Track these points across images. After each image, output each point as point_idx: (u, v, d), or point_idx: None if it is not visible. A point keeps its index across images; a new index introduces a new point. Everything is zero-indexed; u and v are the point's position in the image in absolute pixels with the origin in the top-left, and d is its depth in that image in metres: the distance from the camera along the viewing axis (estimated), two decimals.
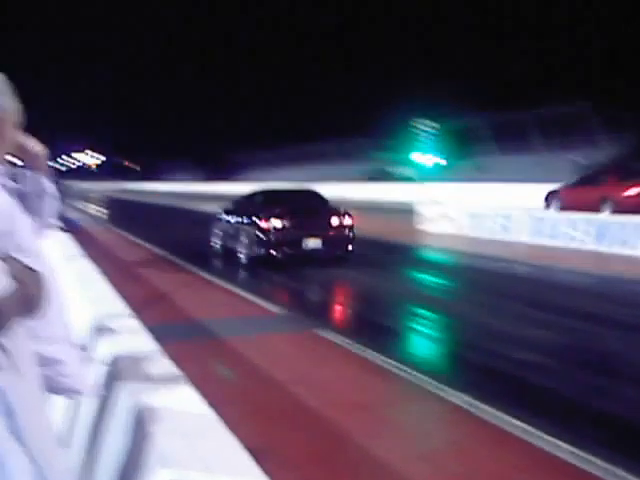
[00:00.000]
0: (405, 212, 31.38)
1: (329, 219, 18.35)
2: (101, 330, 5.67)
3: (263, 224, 17.77)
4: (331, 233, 18.15)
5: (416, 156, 54.97)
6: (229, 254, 19.67)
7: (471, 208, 27.27)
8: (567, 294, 13.94)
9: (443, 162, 52.40)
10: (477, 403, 7.03)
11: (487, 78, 63.62)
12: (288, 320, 11.38)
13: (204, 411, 3.47)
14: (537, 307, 12.32)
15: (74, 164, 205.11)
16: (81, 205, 54.65)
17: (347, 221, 18.51)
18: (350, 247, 18.29)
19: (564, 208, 25.79)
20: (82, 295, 7.94)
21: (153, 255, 20.92)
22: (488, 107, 48.13)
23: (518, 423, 6.44)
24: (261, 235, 17.73)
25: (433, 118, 54.40)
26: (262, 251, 17.84)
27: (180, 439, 3.03)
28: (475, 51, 71.60)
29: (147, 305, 12.63)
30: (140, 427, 3.24)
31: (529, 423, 6.40)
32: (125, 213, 48.30)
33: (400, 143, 60.33)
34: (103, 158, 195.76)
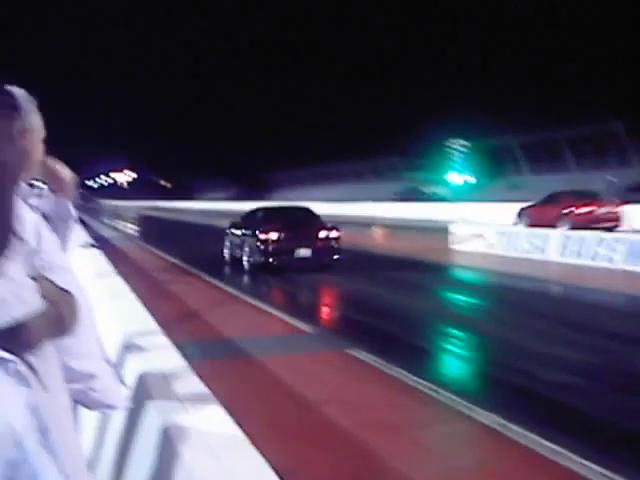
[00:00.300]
0: (437, 231, 31.28)
1: (318, 232, 21.08)
2: (130, 347, 5.68)
3: (262, 236, 20.64)
4: (319, 244, 20.82)
5: (448, 175, 54.93)
6: (235, 262, 22.47)
7: (503, 227, 27.11)
8: (598, 313, 13.79)
9: (473, 180, 52.23)
10: (507, 423, 6.94)
11: (520, 98, 63.34)
12: (319, 339, 11.35)
13: (233, 430, 3.44)
14: (569, 327, 12.20)
15: (107, 182, 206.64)
16: (114, 222, 55.02)
17: (333, 234, 21.35)
18: (336, 256, 20.82)
19: (531, 224, 29.61)
20: (112, 312, 7.97)
21: (182, 271, 20.97)
22: (521, 127, 47.95)
23: (548, 443, 6.35)
24: (260, 245, 20.60)
25: (465, 137, 54.40)
26: (262, 259, 20.68)
27: (208, 458, 3.00)
28: (507, 70, 71.41)
29: (176, 322, 12.66)
30: (168, 446, 3.22)
31: (559, 443, 6.31)
32: (157, 231, 48.55)
33: (432, 162, 60.35)
34: (135, 175, 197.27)
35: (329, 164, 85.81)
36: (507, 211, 35.10)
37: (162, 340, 6.10)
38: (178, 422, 3.42)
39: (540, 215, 30.83)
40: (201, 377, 7.95)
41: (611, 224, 28.48)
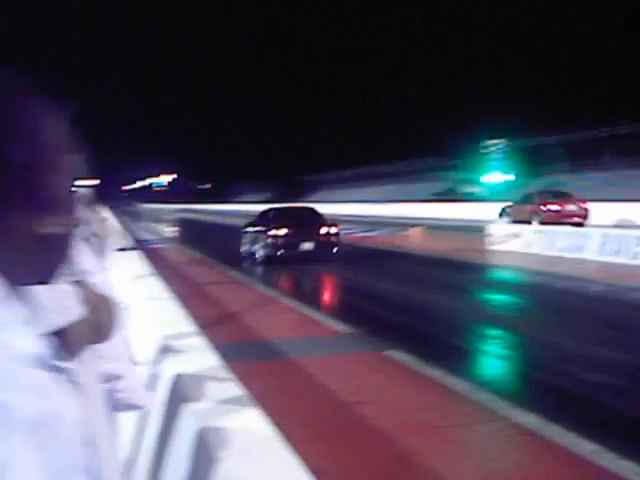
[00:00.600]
0: (474, 231, 31.09)
1: (319, 228, 24.07)
2: (168, 349, 5.71)
3: (272, 232, 23.69)
4: (321, 239, 23.84)
5: (486, 175, 54.57)
6: (252, 256, 25.16)
7: (540, 226, 26.90)
8: (638, 313, 13.62)
9: (511, 178, 51.85)
10: (546, 424, 6.89)
11: (562, 96, 62.82)
12: (356, 340, 11.32)
13: (269, 433, 3.45)
14: (608, 326, 12.07)
15: (146, 185, 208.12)
16: (152, 225, 55.34)
17: (333, 230, 24.39)
18: (335, 249, 23.90)
19: (512, 220, 34.72)
20: (150, 313, 8.03)
21: (219, 272, 21.07)
22: (561, 125, 47.51)
23: (587, 444, 6.29)
24: (270, 240, 23.66)
25: (504, 136, 54.00)
26: (271, 252, 23.67)
27: (245, 461, 3.01)
28: (547, 68, 70.88)
29: (214, 323, 12.72)
30: (205, 448, 3.23)
31: (598, 443, 6.24)
32: (194, 233, 48.79)
33: (470, 162, 59.98)
34: (174, 177, 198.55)
35: (366, 166, 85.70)
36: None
37: (199, 341, 6.13)
38: (214, 424, 3.43)
39: (518, 212, 35.85)
40: (238, 378, 8.00)
41: (578, 220, 32.98)
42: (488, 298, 16.20)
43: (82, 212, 15.08)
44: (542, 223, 31.13)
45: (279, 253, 23.50)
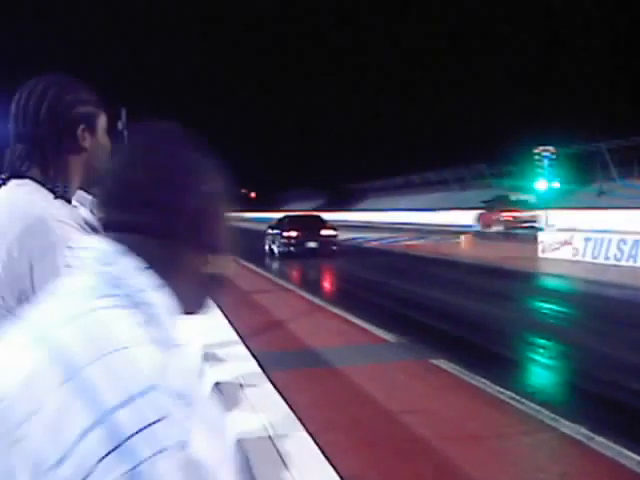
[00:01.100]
0: (525, 238, 30.80)
1: (321, 231, 31.12)
2: (208, 357, 5.74)
3: (285, 234, 30.98)
4: (322, 239, 30.77)
5: (535, 182, 53.94)
6: (272, 252, 32.60)
7: (592, 234, 26.56)
8: None
9: (557, 185, 51.25)
10: (593, 434, 6.78)
11: (610, 103, 62.07)
12: (402, 348, 11.26)
13: (306, 441, 3.44)
14: None
15: None
16: None
17: (332, 233, 31.33)
18: (334, 247, 30.93)
19: (482, 226, 44.20)
20: (192, 321, 8.08)
21: (266, 280, 21.13)
22: (610, 131, 46.91)
23: (634, 456, 6.18)
24: (284, 240, 30.90)
25: (553, 143, 53.37)
26: (285, 249, 30.89)
27: (279, 469, 3.00)
28: (596, 74, 70.07)
29: (259, 331, 12.75)
30: (242, 457, 3.23)
31: None
32: (240, 240, 48.92)
33: (520, 169, 59.43)
34: None
35: (416, 173, 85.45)
36: (596, 218, 34.37)
37: (239, 350, 6.14)
38: (248, 430, 3.43)
39: (485, 219, 44.97)
40: (283, 386, 8.03)
41: (529, 224, 40.67)
42: (537, 306, 16.00)
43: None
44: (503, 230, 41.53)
45: (291, 249, 30.62)
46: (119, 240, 1.12)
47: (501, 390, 8.52)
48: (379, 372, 9.80)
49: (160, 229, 1.14)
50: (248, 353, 6.44)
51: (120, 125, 57.32)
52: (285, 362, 10.46)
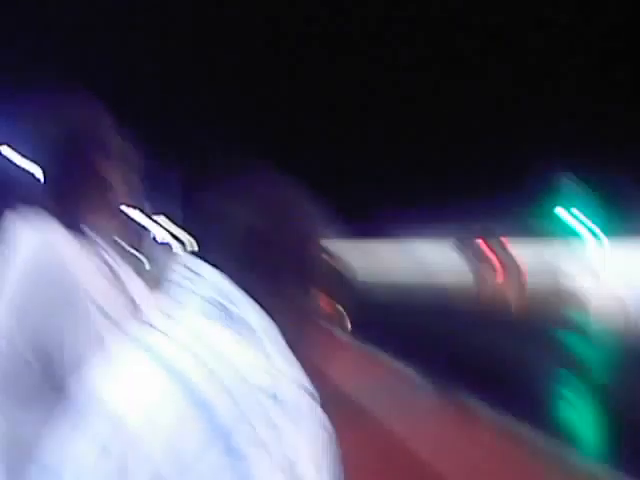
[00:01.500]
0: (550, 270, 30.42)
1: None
2: None
3: None
4: None
5: (564, 213, 53.51)
6: None
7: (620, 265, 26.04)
8: None
9: (589, 223, 50.81)
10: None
11: None
12: (434, 385, 11.06)
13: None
14: None
15: None
16: None
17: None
18: None
19: None
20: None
21: None
22: None
23: None
24: None
25: (585, 173, 52.94)
26: None
27: None
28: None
29: None
30: None
31: None
32: None
33: (550, 199, 58.94)
34: None
35: (442, 201, 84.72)
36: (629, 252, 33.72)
37: None
38: None
39: None
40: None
41: None
42: (565, 344, 15.67)
43: None
44: None
45: None
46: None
47: (530, 430, 8.38)
48: (408, 408, 9.64)
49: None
50: None
51: None
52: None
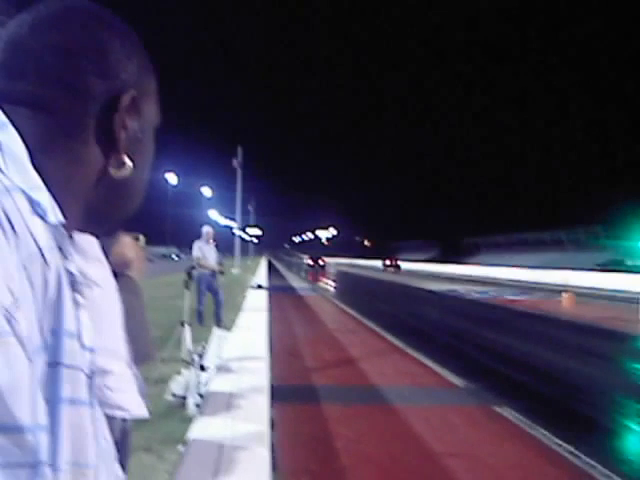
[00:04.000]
0: (630, 302, 29.64)
1: (319, 260, 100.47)
2: (221, 368, 5.59)
3: (307, 261, 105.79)
4: (321, 263, 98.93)
5: None
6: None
7: None
8: None
9: None
10: None
11: None
12: (467, 393, 10.81)
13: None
14: None
15: (309, 238, 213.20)
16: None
17: (322, 262, 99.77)
18: (323, 264, 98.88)
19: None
20: (234, 337, 7.97)
21: (353, 321, 20.88)
22: None
23: None
24: (308, 263, 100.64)
25: None
26: (308, 267, 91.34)
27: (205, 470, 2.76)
28: None
29: (328, 365, 12.53)
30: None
31: None
32: (351, 285, 49.05)
33: (637, 233, 57.80)
34: (335, 233, 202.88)
35: (530, 231, 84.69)
36: None
37: (258, 365, 5.93)
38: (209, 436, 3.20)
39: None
40: (333, 420, 7.80)
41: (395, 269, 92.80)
42: (630, 368, 15.16)
43: (203, 248, 15.36)
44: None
45: (310, 267, 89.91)
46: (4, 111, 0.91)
47: (560, 443, 7.99)
48: (435, 414, 9.42)
49: (58, 107, 0.95)
50: (263, 368, 6.27)
51: (235, 163, 58.52)
52: (343, 396, 10.25)
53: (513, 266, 68.17)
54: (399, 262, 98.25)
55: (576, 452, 7.65)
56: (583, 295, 36.39)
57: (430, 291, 41.74)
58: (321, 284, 46.60)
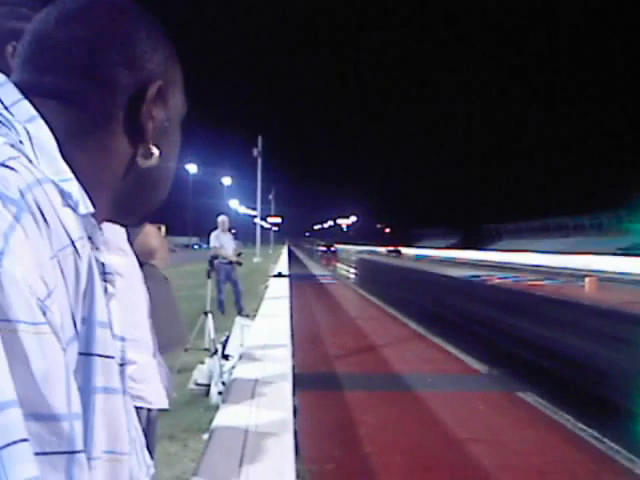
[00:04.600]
0: None
1: (331, 246, 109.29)
2: (244, 356, 5.65)
3: (319, 247, 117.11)
4: (333, 249, 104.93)
5: None
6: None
7: None
8: None
9: None
10: None
11: None
12: (491, 379, 10.80)
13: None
14: None
15: (329, 226, 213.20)
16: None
17: (333, 248, 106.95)
18: (334, 250, 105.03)
19: None
20: (256, 325, 8.05)
21: (377, 309, 20.88)
22: None
23: None
24: (320, 249, 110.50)
25: None
26: (320, 253, 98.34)
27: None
28: None
29: (350, 352, 12.56)
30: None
31: None
32: (371, 273, 49.02)
33: None
34: (354, 219, 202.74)
35: (552, 216, 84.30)
36: None
37: (281, 353, 5.96)
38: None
39: None
40: (355, 407, 7.83)
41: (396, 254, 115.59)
42: None
43: (221, 238, 15.41)
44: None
45: (323, 252, 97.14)
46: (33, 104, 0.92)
47: (583, 428, 7.97)
48: (458, 400, 9.43)
49: (86, 99, 0.96)
50: (286, 355, 6.33)
51: (255, 152, 58.57)
52: (366, 383, 10.27)
53: (535, 252, 67.96)
54: (399, 248, 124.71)
55: (600, 437, 7.63)
56: (606, 280, 36.17)
57: (452, 277, 41.69)
58: (342, 272, 46.60)
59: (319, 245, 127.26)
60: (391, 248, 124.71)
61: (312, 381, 10.07)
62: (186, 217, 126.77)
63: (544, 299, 26.68)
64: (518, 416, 8.69)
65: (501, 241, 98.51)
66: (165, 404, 2.54)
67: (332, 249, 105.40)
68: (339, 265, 55.92)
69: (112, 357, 0.87)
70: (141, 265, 2.45)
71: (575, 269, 49.43)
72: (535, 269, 52.81)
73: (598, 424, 8.13)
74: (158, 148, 1.01)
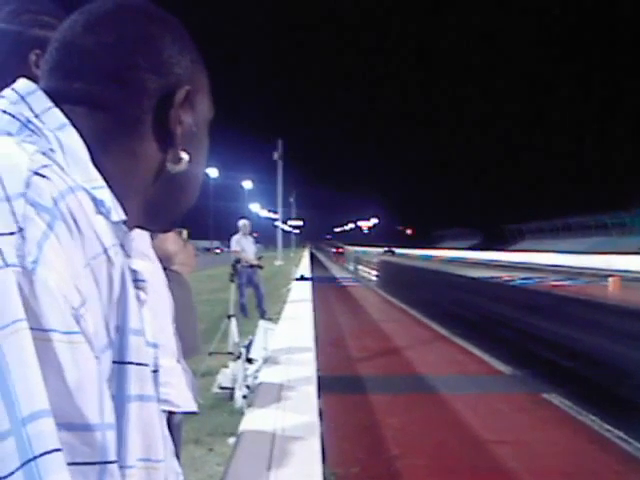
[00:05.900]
0: None
1: (340, 248, 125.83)
2: (268, 360, 5.67)
3: (333, 250, 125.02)
4: (341, 250, 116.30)
5: None
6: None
7: None
8: None
9: None
10: None
11: None
12: (515, 381, 10.75)
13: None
14: None
15: (351, 228, 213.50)
16: (352, 266, 55.94)
17: (342, 250, 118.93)
18: (342, 251, 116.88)
19: None
20: (280, 329, 8.06)
21: (399, 311, 20.86)
22: None
23: None
24: (333, 251, 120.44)
25: None
26: (332, 253, 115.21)
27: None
28: None
29: (373, 354, 12.55)
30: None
31: None
32: (393, 275, 48.95)
33: None
34: (376, 221, 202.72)
35: (574, 216, 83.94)
36: None
37: (306, 357, 5.96)
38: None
39: None
40: (379, 410, 7.83)
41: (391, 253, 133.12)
42: None
43: (242, 242, 15.45)
44: None
45: (335, 254, 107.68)
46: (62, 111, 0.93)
47: (610, 429, 7.92)
48: (482, 402, 9.38)
49: (115, 105, 0.96)
50: (311, 359, 6.33)
51: (276, 156, 58.64)
52: (390, 386, 10.25)
53: (557, 252, 67.67)
54: (393, 249, 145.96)
55: (626, 437, 7.58)
56: (630, 280, 35.96)
57: (473, 278, 41.57)
58: (364, 274, 46.55)
59: (333, 247, 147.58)
60: (386, 248, 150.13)
61: (336, 384, 10.06)
62: (207, 221, 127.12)
63: (568, 299, 26.55)
64: (543, 417, 8.64)
65: (523, 241, 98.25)
66: (194, 407, 2.54)
67: (340, 250, 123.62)
68: (360, 267, 55.80)
69: (146, 364, 0.87)
70: (164, 270, 2.45)
71: (598, 269, 49.15)
72: (558, 269, 52.55)
73: (624, 425, 8.09)
74: (187, 153, 1.01)
